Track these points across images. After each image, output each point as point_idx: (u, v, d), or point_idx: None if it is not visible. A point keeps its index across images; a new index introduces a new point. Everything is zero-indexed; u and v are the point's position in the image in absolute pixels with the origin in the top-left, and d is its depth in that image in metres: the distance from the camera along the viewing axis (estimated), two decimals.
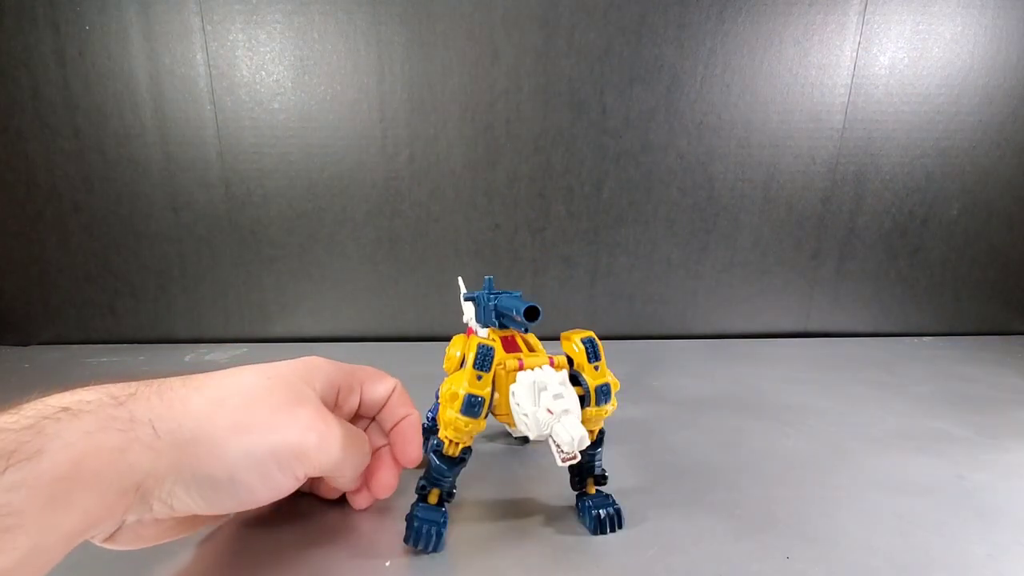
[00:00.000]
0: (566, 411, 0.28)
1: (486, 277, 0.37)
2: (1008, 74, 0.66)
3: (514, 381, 0.30)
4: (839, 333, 0.74)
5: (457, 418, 0.29)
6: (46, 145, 0.64)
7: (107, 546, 0.24)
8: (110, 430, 0.21)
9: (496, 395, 0.31)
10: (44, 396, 0.22)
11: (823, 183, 0.69)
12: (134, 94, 0.63)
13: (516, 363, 0.31)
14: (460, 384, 0.29)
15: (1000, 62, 0.66)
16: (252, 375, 0.26)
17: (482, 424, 0.30)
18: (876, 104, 0.67)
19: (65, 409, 0.21)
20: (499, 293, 0.37)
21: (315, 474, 0.27)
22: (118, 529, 0.23)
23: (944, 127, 0.68)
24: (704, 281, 0.71)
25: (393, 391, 0.33)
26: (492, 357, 0.30)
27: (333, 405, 0.31)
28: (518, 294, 0.36)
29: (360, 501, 0.34)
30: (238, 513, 0.34)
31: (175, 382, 0.25)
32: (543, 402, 0.28)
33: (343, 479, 0.31)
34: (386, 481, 0.33)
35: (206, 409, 0.24)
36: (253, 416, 0.24)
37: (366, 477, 0.33)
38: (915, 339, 0.73)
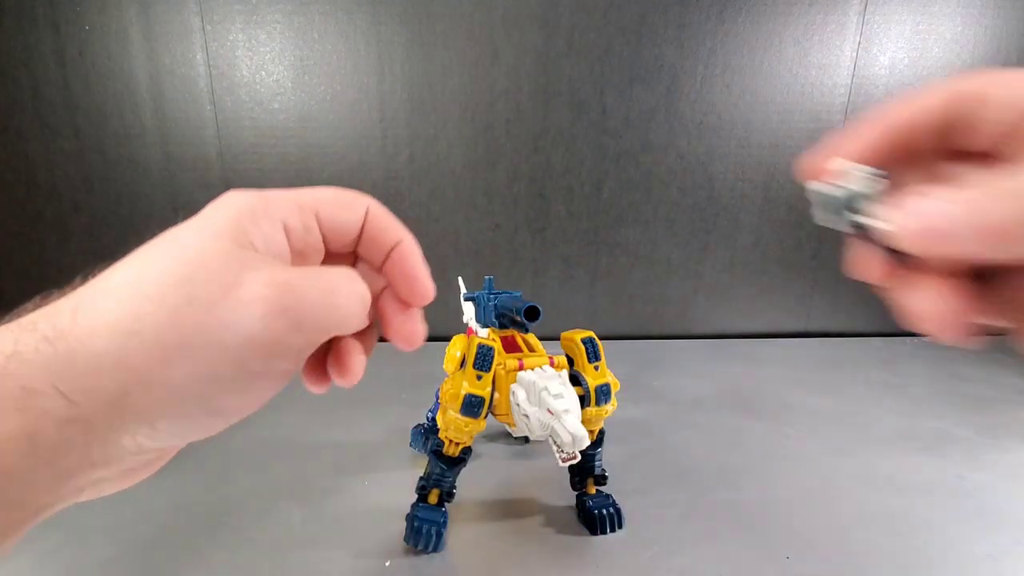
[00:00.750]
0: (566, 411, 0.28)
1: (486, 277, 0.37)
2: None
3: (514, 381, 0.30)
4: (839, 333, 0.74)
5: (457, 418, 0.29)
6: (46, 145, 0.64)
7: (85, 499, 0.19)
8: (4, 412, 0.16)
9: (496, 395, 0.31)
10: None
11: None
12: (134, 94, 0.63)
13: (516, 363, 0.31)
14: (460, 384, 0.29)
15: (1000, 62, 0.66)
16: (160, 261, 0.18)
17: (482, 424, 0.30)
18: (876, 104, 0.67)
19: None
20: (499, 293, 0.37)
21: (304, 354, 0.20)
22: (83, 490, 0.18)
23: None
24: (704, 281, 0.71)
25: (366, 215, 0.23)
26: (492, 357, 0.30)
27: (287, 255, 0.21)
28: (518, 294, 0.36)
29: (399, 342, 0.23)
30: (235, 512, 0.34)
31: (62, 313, 0.17)
32: (543, 402, 0.28)
33: (344, 330, 0.21)
34: (403, 328, 0.23)
35: (119, 342, 0.17)
36: (183, 330, 0.17)
37: (382, 329, 0.24)
38: (915, 339, 0.73)
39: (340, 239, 0.23)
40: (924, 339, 0.74)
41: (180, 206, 0.67)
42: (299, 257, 0.22)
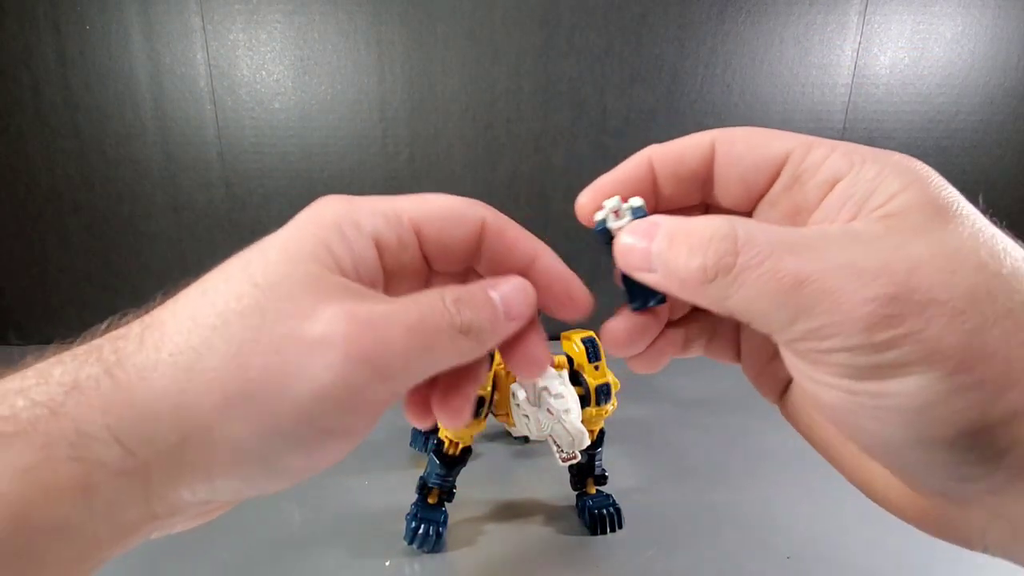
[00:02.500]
0: (566, 411, 0.28)
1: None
2: (1009, 74, 0.66)
3: (514, 381, 0.30)
4: None
5: None
6: (46, 145, 0.64)
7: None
8: (57, 461, 0.14)
9: (496, 395, 0.31)
10: None
11: None
12: (134, 94, 0.63)
13: None
14: None
15: (1000, 62, 0.66)
16: (229, 290, 0.16)
17: (482, 424, 0.30)
18: (876, 104, 0.67)
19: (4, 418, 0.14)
20: None
21: (387, 405, 0.16)
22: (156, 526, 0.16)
23: (944, 127, 0.68)
24: None
25: (483, 227, 0.20)
26: (493, 357, 0.30)
27: (376, 272, 0.17)
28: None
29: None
30: (235, 511, 0.34)
31: (132, 334, 0.16)
32: (543, 402, 0.28)
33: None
34: (531, 354, 0.19)
35: (179, 384, 0.14)
36: (247, 373, 0.14)
37: (502, 351, 0.20)
38: None
39: (447, 258, 0.19)
40: None
41: (180, 206, 0.67)
42: (394, 280, 0.18)
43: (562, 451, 0.27)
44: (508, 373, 0.31)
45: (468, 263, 0.20)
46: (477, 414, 0.29)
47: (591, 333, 0.32)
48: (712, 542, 0.32)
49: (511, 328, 0.18)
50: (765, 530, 0.33)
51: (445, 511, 0.32)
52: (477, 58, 0.64)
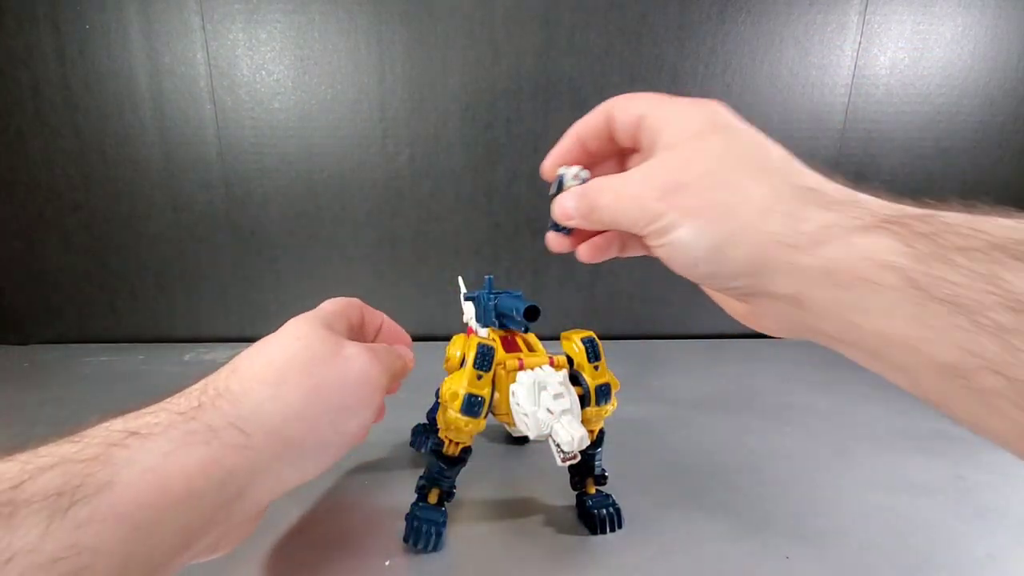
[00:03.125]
0: (566, 411, 0.28)
1: (486, 276, 0.37)
2: (1009, 75, 0.66)
3: (514, 381, 0.30)
4: None
5: (457, 418, 0.29)
6: (46, 145, 0.64)
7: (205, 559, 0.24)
8: (193, 445, 0.20)
9: (496, 395, 0.31)
10: (105, 419, 0.21)
11: None
12: (134, 93, 0.63)
13: (516, 363, 0.31)
14: (460, 384, 0.29)
15: (1001, 62, 0.66)
16: (282, 345, 0.26)
17: (482, 424, 0.30)
18: (876, 104, 0.67)
19: (133, 434, 0.20)
20: (499, 293, 0.36)
21: (384, 393, 0.28)
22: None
23: (944, 127, 0.68)
24: None
25: (361, 309, 0.34)
26: (492, 357, 0.30)
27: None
28: (519, 293, 0.36)
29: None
30: None
31: (221, 382, 0.24)
32: (543, 402, 0.28)
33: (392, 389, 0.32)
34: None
35: (273, 391, 0.24)
36: (315, 376, 0.25)
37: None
38: None
39: (358, 327, 0.33)
40: None
41: (180, 206, 0.67)
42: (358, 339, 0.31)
43: (562, 451, 0.27)
44: (508, 373, 0.31)
45: (359, 332, 0.34)
46: (477, 414, 0.29)
47: (591, 333, 0.32)
48: (712, 542, 0.32)
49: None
50: (765, 530, 0.33)
51: (445, 511, 0.32)
52: (477, 58, 0.64)
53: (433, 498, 0.32)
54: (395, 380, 0.30)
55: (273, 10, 0.61)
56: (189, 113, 0.64)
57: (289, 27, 0.62)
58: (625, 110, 0.27)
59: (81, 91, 0.63)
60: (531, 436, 0.29)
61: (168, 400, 0.23)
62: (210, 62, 0.62)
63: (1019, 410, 0.16)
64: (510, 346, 0.33)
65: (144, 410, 0.22)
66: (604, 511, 0.33)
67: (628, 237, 0.31)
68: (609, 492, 0.34)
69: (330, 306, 0.31)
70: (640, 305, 0.72)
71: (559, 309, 0.72)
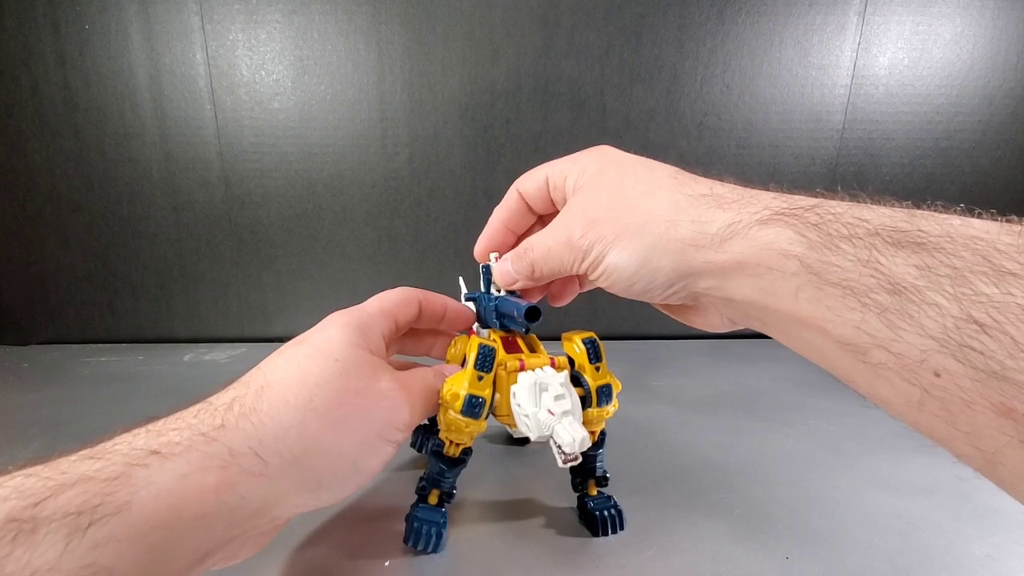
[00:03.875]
0: (567, 412, 0.27)
1: (483, 264, 0.37)
2: (1008, 75, 0.66)
3: (515, 382, 0.30)
4: None
5: (458, 419, 0.29)
6: (46, 145, 0.64)
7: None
8: (210, 469, 0.20)
9: (497, 396, 0.31)
10: (128, 432, 0.21)
11: (823, 183, 0.69)
12: (134, 94, 0.63)
13: (517, 364, 0.30)
14: (461, 385, 0.29)
15: (1000, 63, 0.66)
16: (318, 364, 0.25)
17: (483, 425, 0.30)
18: (876, 105, 0.67)
19: (154, 453, 0.20)
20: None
21: (409, 431, 0.28)
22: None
23: (944, 128, 0.68)
24: None
25: (420, 304, 0.34)
26: (493, 358, 0.30)
27: (390, 343, 0.32)
28: (519, 294, 0.36)
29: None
30: None
31: (250, 399, 0.24)
32: (544, 403, 0.28)
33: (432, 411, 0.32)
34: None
35: (299, 417, 0.23)
36: (345, 408, 0.24)
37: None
38: None
39: (407, 324, 0.33)
40: None
41: (180, 206, 0.67)
42: (388, 349, 0.31)
43: (563, 452, 0.27)
44: (509, 374, 0.31)
45: (417, 323, 0.34)
46: (478, 415, 0.29)
47: (592, 334, 0.32)
48: (712, 542, 0.32)
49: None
50: (764, 530, 0.33)
51: (445, 512, 0.32)
52: (477, 58, 0.64)
53: (433, 499, 0.31)
54: (428, 411, 0.29)
55: (273, 10, 0.61)
56: (189, 113, 0.64)
57: (289, 27, 0.62)
58: (531, 181, 0.31)
59: (81, 91, 0.63)
60: (532, 437, 0.28)
61: (195, 412, 0.23)
62: (210, 62, 0.62)
63: (903, 381, 0.18)
64: (511, 347, 0.33)
65: (168, 424, 0.22)
66: (606, 513, 0.32)
67: (576, 277, 0.34)
68: (610, 494, 0.34)
69: (377, 304, 0.31)
70: (640, 305, 0.72)
71: (559, 309, 0.71)
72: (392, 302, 0.32)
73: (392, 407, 0.26)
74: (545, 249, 0.29)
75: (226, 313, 0.70)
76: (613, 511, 0.33)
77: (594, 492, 0.34)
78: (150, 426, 0.22)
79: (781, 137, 0.67)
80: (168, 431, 0.21)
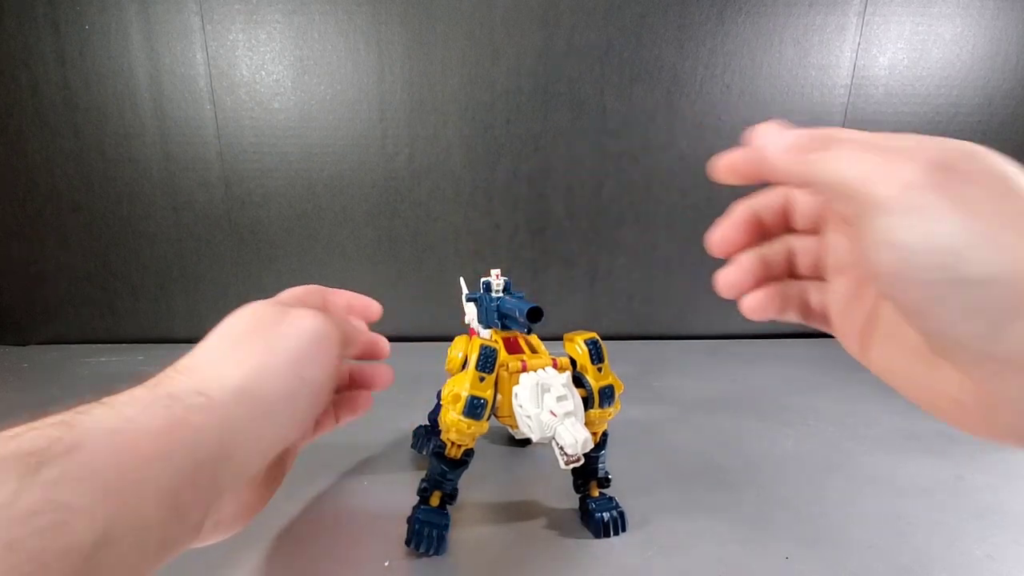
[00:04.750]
0: (569, 413, 0.27)
1: (483, 279, 0.37)
2: (1008, 75, 0.66)
3: (517, 383, 0.30)
4: None
5: (459, 420, 0.29)
6: (46, 145, 0.64)
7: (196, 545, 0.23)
8: (154, 410, 0.20)
9: (499, 397, 0.31)
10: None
11: None
12: (134, 94, 0.63)
13: (519, 364, 0.30)
14: (463, 386, 0.29)
15: (1000, 63, 0.66)
16: (233, 322, 0.27)
17: (484, 426, 0.30)
18: (876, 105, 0.67)
19: (98, 404, 0.20)
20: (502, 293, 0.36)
21: (341, 349, 0.28)
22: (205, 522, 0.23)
23: (944, 128, 0.68)
24: (704, 281, 0.71)
25: (323, 295, 0.33)
26: (495, 358, 0.30)
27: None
28: (521, 295, 0.36)
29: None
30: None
31: (178, 363, 0.24)
32: (546, 404, 0.28)
33: (352, 353, 0.30)
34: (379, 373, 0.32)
35: (226, 347, 0.24)
36: (264, 327, 0.25)
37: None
38: None
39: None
40: None
41: (180, 206, 0.67)
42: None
43: (565, 454, 0.27)
44: (511, 375, 0.31)
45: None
46: (480, 416, 0.29)
47: (594, 335, 0.32)
48: (712, 542, 0.32)
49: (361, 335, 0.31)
50: (765, 530, 0.33)
51: (447, 514, 0.32)
52: (477, 58, 0.64)
53: (435, 501, 0.32)
54: (352, 344, 0.29)
55: (273, 11, 0.61)
56: (189, 113, 0.64)
57: (289, 28, 0.62)
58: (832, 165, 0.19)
59: (81, 91, 0.63)
60: (534, 438, 0.28)
61: (128, 390, 0.23)
62: (210, 62, 0.62)
63: None
64: (513, 347, 0.33)
65: (103, 399, 0.22)
66: (607, 515, 0.32)
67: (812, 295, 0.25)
68: (612, 495, 0.34)
69: (286, 293, 0.31)
70: (640, 305, 0.72)
71: (559, 310, 0.72)
72: (297, 290, 0.32)
73: (312, 323, 0.26)
74: (854, 153, 0.18)
75: (226, 313, 0.70)
76: (615, 513, 0.33)
77: (596, 493, 0.34)
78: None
79: None
80: (106, 399, 0.21)
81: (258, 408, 0.23)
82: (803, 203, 0.24)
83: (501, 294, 0.35)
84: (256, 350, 0.24)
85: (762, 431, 0.47)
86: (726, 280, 0.26)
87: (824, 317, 0.25)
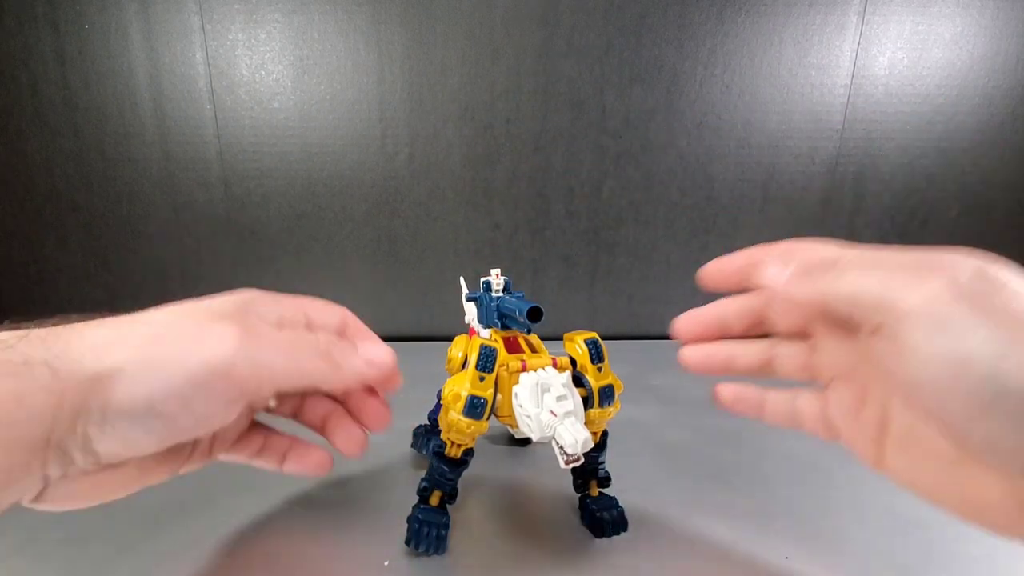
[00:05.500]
0: (569, 413, 0.27)
1: (484, 279, 0.37)
2: (1008, 75, 0.66)
3: (517, 382, 0.30)
4: None
5: (459, 420, 0.29)
6: (46, 144, 0.64)
7: (38, 507, 0.22)
8: (3, 375, 0.18)
9: (499, 396, 0.31)
10: None
11: (823, 184, 0.69)
12: (134, 93, 0.63)
13: (519, 364, 0.30)
14: (463, 385, 0.29)
15: (1000, 63, 0.66)
16: (165, 309, 0.23)
17: (484, 426, 0.30)
18: (876, 104, 0.67)
19: None
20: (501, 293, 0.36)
21: (256, 395, 0.23)
22: (45, 488, 0.21)
23: (944, 127, 0.68)
24: None
25: (344, 322, 0.28)
26: (495, 358, 0.30)
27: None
28: (520, 294, 0.36)
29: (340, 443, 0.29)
30: (235, 512, 0.34)
31: (76, 323, 0.22)
32: (546, 404, 0.28)
33: (330, 384, 0.26)
34: (373, 411, 0.29)
35: (107, 340, 0.21)
36: (162, 344, 0.21)
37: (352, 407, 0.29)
38: None
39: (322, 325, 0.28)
40: None
41: (180, 206, 0.67)
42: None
43: (565, 453, 0.27)
44: (511, 374, 0.31)
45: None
46: (480, 416, 0.29)
47: (594, 334, 0.32)
48: (712, 542, 0.32)
49: (369, 372, 0.26)
50: (765, 530, 0.33)
51: (447, 513, 0.32)
52: (477, 58, 0.64)
53: (435, 500, 0.32)
54: (295, 383, 0.24)
55: (272, 10, 0.61)
56: (189, 113, 0.64)
57: (288, 27, 0.62)
58: (813, 287, 0.21)
59: (80, 91, 0.63)
60: (534, 438, 0.28)
61: (5, 331, 0.21)
62: (209, 62, 0.62)
63: None
64: (513, 347, 0.33)
65: None
66: (607, 514, 0.32)
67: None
68: (612, 494, 0.34)
69: (258, 294, 0.26)
70: (640, 305, 0.72)
71: (559, 309, 0.72)
72: (309, 300, 0.28)
73: (216, 349, 0.21)
74: (859, 271, 0.19)
75: None
76: (615, 512, 0.33)
77: (596, 493, 0.34)
78: None
79: (781, 137, 0.67)
80: None
81: (110, 406, 0.20)
82: (782, 311, 0.24)
83: (501, 293, 0.35)
84: (134, 348, 0.21)
85: (762, 431, 0.47)
86: (693, 356, 0.27)
87: (827, 425, 0.25)
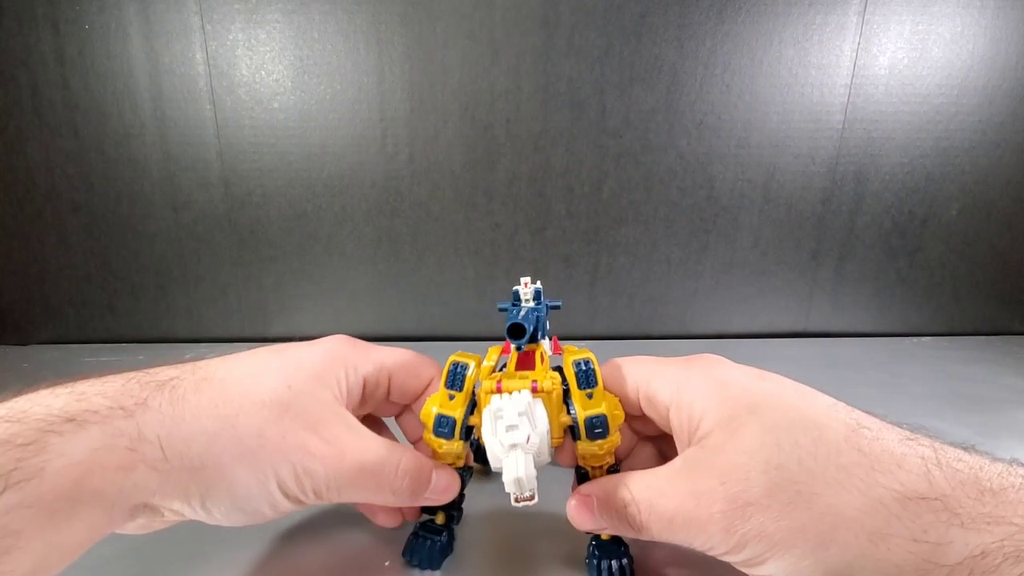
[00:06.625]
0: (515, 446, 0.24)
1: (514, 289, 0.33)
2: (1008, 74, 0.66)
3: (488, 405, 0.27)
4: (839, 333, 0.74)
5: (431, 439, 0.28)
6: (46, 145, 0.64)
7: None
8: (116, 448, 0.20)
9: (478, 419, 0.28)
10: (52, 389, 0.21)
11: (823, 183, 0.69)
12: (134, 93, 0.63)
13: (494, 385, 0.27)
14: (435, 402, 0.28)
15: (1000, 62, 0.66)
16: (271, 381, 0.25)
17: (458, 445, 0.28)
18: (876, 104, 0.67)
19: (70, 420, 0.20)
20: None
21: (326, 501, 0.25)
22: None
23: (944, 127, 0.68)
24: (704, 281, 0.71)
25: (431, 382, 0.31)
26: (464, 375, 0.28)
27: (359, 399, 0.29)
28: (552, 303, 0.34)
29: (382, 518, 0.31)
30: None
31: (187, 383, 0.23)
32: (499, 433, 0.24)
33: (385, 501, 0.27)
34: (390, 517, 0.32)
35: (216, 428, 0.22)
36: (263, 442, 0.23)
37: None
38: (915, 339, 0.74)
39: (401, 397, 0.31)
40: (923, 339, 0.74)
41: (180, 206, 0.67)
42: (365, 401, 0.29)
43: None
44: (486, 395, 0.27)
45: (412, 401, 0.31)
46: (449, 436, 0.28)
47: (587, 353, 0.29)
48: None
49: (427, 501, 0.28)
50: None
51: (451, 531, 0.30)
52: (477, 58, 0.64)
53: (440, 519, 0.30)
54: (367, 497, 0.27)
55: (273, 10, 0.61)
56: (189, 113, 0.64)
57: (288, 27, 0.62)
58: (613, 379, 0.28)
59: (80, 91, 0.63)
60: (492, 467, 0.25)
61: (127, 379, 0.23)
62: (209, 62, 0.62)
63: None
64: (523, 363, 0.30)
65: (95, 386, 0.22)
66: (615, 563, 0.28)
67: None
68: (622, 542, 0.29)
69: (383, 354, 0.29)
70: (640, 305, 0.72)
71: (559, 310, 0.71)
72: (397, 357, 0.30)
73: (306, 463, 0.23)
74: (664, 521, 0.22)
75: (226, 313, 0.70)
76: (624, 561, 0.28)
77: (607, 536, 0.29)
78: (76, 385, 0.22)
79: (781, 137, 0.67)
80: (92, 396, 0.21)
81: (193, 496, 0.22)
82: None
83: (530, 303, 0.32)
84: (236, 449, 0.22)
85: None
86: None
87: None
